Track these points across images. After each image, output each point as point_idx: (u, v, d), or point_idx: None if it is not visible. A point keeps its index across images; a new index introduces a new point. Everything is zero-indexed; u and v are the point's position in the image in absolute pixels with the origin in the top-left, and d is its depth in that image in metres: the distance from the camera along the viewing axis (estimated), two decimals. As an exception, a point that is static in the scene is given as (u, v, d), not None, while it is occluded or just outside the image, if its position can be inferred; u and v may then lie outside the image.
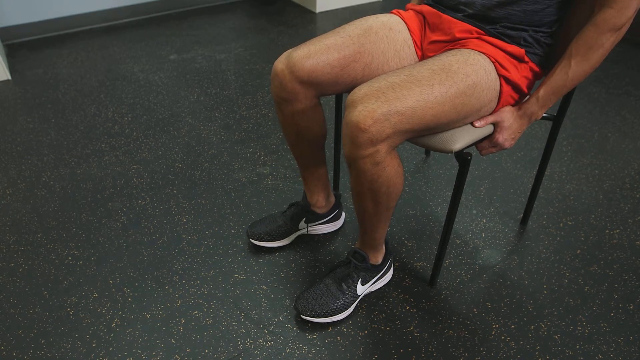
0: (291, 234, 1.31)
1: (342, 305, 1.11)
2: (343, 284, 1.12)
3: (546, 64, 1.03)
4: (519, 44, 0.96)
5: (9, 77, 2.20)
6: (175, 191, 1.53)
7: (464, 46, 0.96)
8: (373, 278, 1.15)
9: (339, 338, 1.10)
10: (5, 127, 1.86)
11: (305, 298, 1.12)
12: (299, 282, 1.23)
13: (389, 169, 0.89)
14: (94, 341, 1.10)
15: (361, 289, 1.13)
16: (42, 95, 2.06)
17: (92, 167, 1.64)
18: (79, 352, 1.07)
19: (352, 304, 1.13)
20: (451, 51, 0.94)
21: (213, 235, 1.37)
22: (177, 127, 1.84)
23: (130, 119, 1.90)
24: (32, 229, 1.40)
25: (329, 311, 1.10)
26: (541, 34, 0.97)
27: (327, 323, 1.13)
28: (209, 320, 1.14)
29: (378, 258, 1.14)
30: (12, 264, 1.29)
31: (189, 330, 1.12)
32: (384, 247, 1.14)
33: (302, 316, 1.11)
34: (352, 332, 1.11)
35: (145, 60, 2.34)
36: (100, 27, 2.72)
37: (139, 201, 1.49)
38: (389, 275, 1.21)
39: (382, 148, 0.85)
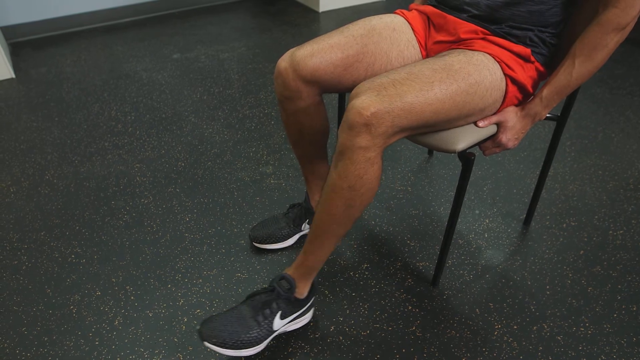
0: (293, 235, 1.31)
1: (254, 338, 0.99)
2: (260, 315, 1.00)
3: (551, 64, 1.03)
4: (525, 44, 0.96)
5: (13, 76, 2.21)
6: (178, 190, 1.53)
7: (469, 47, 0.96)
8: (294, 314, 1.04)
9: (340, 337, 1.10)
10: (9, 125, 1.87)
11: (213, 323, 0.99)
12: (301, 282, 1.23)
13: (376, 168, 0.87)
14: (97, 339, 1.10)
15: (278, 324, 1.02)
16: (46, 93, 2.07)
17: (95, 165, 1.64)
18: (82, 350, 1.08)
19: (266, 339, 1.01)
20: (455, 51, 0.94)
21: (216, 234, 1.37)
22: (180, 126, 1.84)
23: (133, 117, 1.90)
24: (36, 227, 1.40)
25: (238, 342, 0.97)
26: (547, 34, 0.97)
27: (232, 357, 1.02)
28: (211, 319, 1.14)
29: (304, 291, 1.04)
30: (16, 262, 1.30)
31: (191, 329, 1.12)
32: (312, 280, 1.05)
33: (205, 343, 0.97)
34: (354, 332, 1.11)
35: (148, 59, 2.35)
36: (104, 26, 2.73)
37: (142, 200, 1.49)
38: (308, 316, 1.10)
39: (378, 142, 0.84)
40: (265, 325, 1.00)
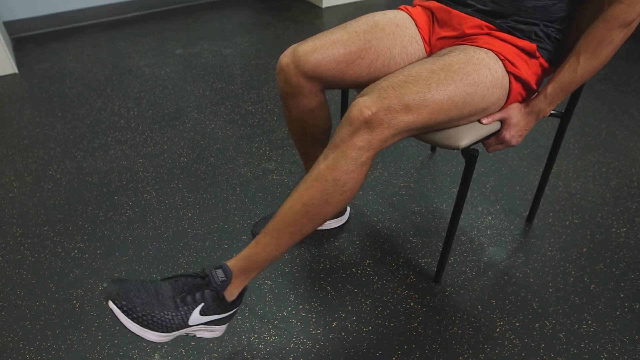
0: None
1: (166, 321, 0.84)
2: (180, 298, 0.86)
3: (555, 60, 1.02)
4: (530, 39, 0.95)
5: (16, 71, 2.21)
6: (180, 185, 1.53)
7: (472, 42, 0.95)
8: (214, 315, 0.90)
9: (342, 333, 1.10)
10: (12, 120, 1.87)
11: (127, 285, 0.84)
12: (303, 277, 1.23)
13: (364, 170, 0.86)
14: (100, 334, 1.11)
15: (195, 319, 0.87)
16: (49, 88, 2.07)
17: (98, 160, 1.65)
18: (85, 345, 1.08)
19: (177, 330, 0.86)
20: (456, 49, 0.93)
21: (218, 229, 1.37)
22: (183, 122, 1.84)
23: (136, 113, 1.90)
24: (39, 222, 1.41)
25: (148, 317, 0.82)
26: (552, 29, 0.96)
27: (132, 332, 0.83)
28: (214, 314, 1.15)
29: (234, 292, 0.91)
30: (19, 256, 1.30)
31: (193, 324, 1.12)
32: (247, 283, 0.93)
33: (110, 303, 0.80)
34: (356, 328, 1.11)
35: (151, 54, 2.34)
36: (107, 21, 2.73)
37: (145, 195, 1.50)
38: (222, 329, 0.96)
39: (374, 144, 0.84)
40: (183, 313, 0.85)
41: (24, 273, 1.26)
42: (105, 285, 0.83)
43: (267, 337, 1.09)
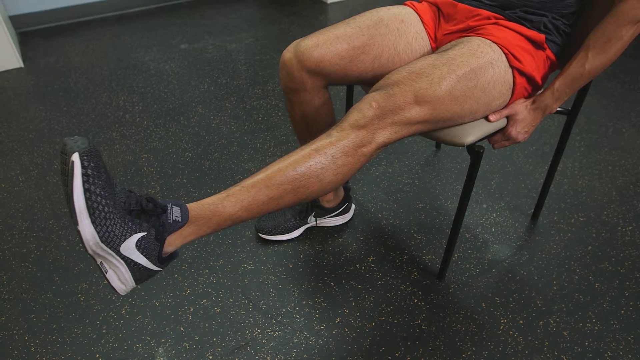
0: (299, 227, 1.31)
1: (110, 221, 0.71)
2: (128, 212, 0.74)
3: (563, 56, 1.02)
4: (539, 30, 0.94)
5: (22, 65, 2.22)
6: (185, 180, 1.54)
7: (478, 33, 0.94)
8: (142, 257, 0.76)
9: (346, 329, 1.10)
10: (18, 114, 1.88)
11: (100, 155, 0.72)
12: (307, 273, 1.23)
13: (361, 161, 0.85)
14: (104, 327, 1.11)
15: (127, 247, 0.74)
16: (54, 83, 2.08)
17: (103, 155, 1.65)
18: (89, 338, 1.09)
19: (105, 244, 0.72)
20: (459, 43, 0.92)
21: (222, 225, 1.37)
22: (188, 117, 1.84)
23: (141, 108, 1.90)
24: (44, 216, 1.41)
25: (100, 202, 0.69)
26: (561, 22, 0.95)
27: (72, 202, 0.68)
28: (217, 309, 1.15)
29: (173, 245, 0.80)
30: (25, 250, 1.31)
31: (197, 319, 1.13)
32: (191, 240, 0.83)
33: (76, 153, 0.67)
34: (360, 324, 1.11)
35: (156, 49, 2.34)
36: (112, 15, 2.73)
37: (149, 190, 1.50)
38: (128, 285, 0.78)
39: (377, 138, 0.84)
40: (125, 228, 0.71)
41: (29, 266, 1.26)
42: (76, 136, 0.68)
43: (270, 332, 1.10)
